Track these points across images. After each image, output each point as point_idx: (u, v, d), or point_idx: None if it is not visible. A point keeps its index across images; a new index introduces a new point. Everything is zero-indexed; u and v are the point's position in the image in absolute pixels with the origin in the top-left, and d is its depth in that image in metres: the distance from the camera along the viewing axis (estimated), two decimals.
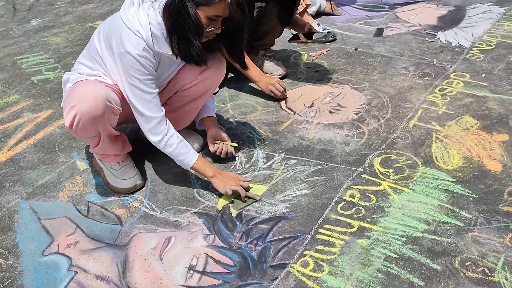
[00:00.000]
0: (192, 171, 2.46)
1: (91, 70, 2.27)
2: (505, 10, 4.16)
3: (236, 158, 2.56)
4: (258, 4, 3.03)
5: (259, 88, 3.07)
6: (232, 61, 2.45)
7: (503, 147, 2.56)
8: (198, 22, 2.09)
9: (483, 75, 3.22)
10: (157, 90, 2.23)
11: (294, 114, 2.93)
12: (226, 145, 2.52)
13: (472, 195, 2.27)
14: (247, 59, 2.93)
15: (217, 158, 2.55)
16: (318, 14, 4.23)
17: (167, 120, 2.26)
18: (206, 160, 2.39)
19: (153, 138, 2.25)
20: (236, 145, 2.55)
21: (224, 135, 2.55)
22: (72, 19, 4.42)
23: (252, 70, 2.97)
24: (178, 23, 2.10)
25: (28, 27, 4.29)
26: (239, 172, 2.49)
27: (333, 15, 4.26)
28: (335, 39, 3.75)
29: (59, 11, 4.61)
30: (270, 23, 3.13)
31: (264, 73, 3.29)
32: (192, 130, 2.70)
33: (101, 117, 2.15)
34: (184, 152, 2.27)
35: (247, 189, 2.32)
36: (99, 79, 2.25)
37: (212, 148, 2.52)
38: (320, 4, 4.22)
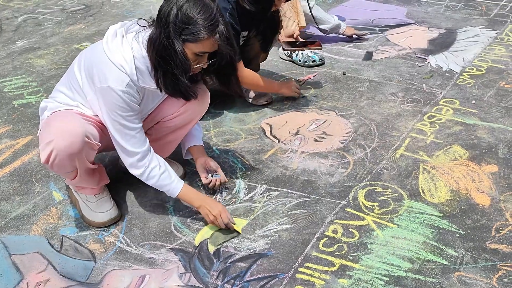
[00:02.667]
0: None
1: (70, 100, 2.21)
2: (496, 33, 4.11)
3: (216, 190, 2.48)
4: (243, 33, 2.99)
5: (285, 95, 3.25)
6: (226, 91, 2.38)
7: (492, 179, 2.49)
8: (185, 60, 2.04)
9: (473, 101, 3.16)
10: (140, 124, 2.18)
11: (278, 142, 2.86)
12: (218, 178, 2.45)
13: (458, 231, 2.19)
14: (261, 77, 3.07)
15: (205, 187, 2.49)
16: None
17: (151, 151, 2.20)
18: (191, 188, 2.30)
19: (134, 172, 2.21)
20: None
21: (214, 164, 2.47)
22: (58, 40, 4.35)
23: (272, 86, 3.17)
24: (164, 60, 2.04)
25: (13, 49, 4.22)
26: None
27: (354, 39, 4.12)
28: (324, 62, 3.73)
29: (46, 32, 4.54)
30: (253, 50, 3.09)
31: (250, 99, 3.23)
32: (172, 159, 2.62)
33: (78, 154, 2.09)
34: (167, 183, 2.21)
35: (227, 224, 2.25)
36: (77, 110, 2.19)
37: (204, 180, 2.45)
38: (340, 25, 4.04)
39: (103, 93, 2.06)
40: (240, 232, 2.23)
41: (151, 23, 2.14)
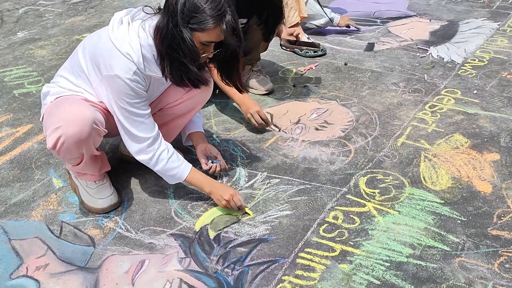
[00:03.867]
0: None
1: (74, 86, 2.19)
2: (498, 25, 4.10)
3: (217, 176, 2.47)
4: (241, 20, 2.95)
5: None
6: (227, 84, 2.35)
7: (494, 167, 2.47)
8: (194, 48, 2.01)
9: (475, 91, 3.14)
10: (149, 110, 2.17)
11: (279, 131, 2.84)
12: (218, 164, 2.44)
13: (460, 218, 2.18)
14: None
15: (205, 173, 2.46)
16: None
17: (160, 135, 2.20)
18: (200, 172, 2.28)
19: (142, 158, 2.19)
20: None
21: (214, 150, 2.47)
22: (59, 31, 4.35)
23: (235, 92, 2.65)
24: (172, 49, 2.02)
25: (14, 39, 4.22)
26: None
27: (350, 30, 4.11)
28: (325, 53, 3.72)
29: (47, 23, 4.54)
30: (254, 39, 3.04)
31: (251, 88, 3.22)
32: (173, 146, 2.60)
33: (86, 140, 2.09)
34: (175, 166, 2.21)
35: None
36: (82, 96, 2.17)
37: (204, 166, 2.44)
38: (333, 19, 4.02)
39: (110, 81, 2.05)
40: (252, 214, 2.24)
41: (157, 10, 2.12)
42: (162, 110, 2.40)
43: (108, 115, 2.18)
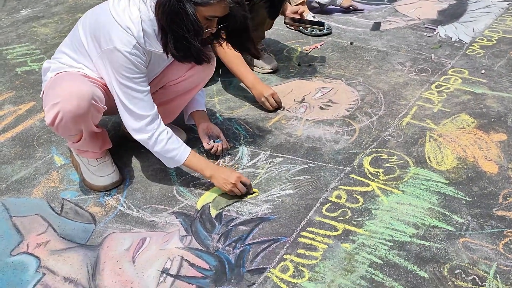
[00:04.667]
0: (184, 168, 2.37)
1: (74, 62, 2.16)
2: (508, 4, 4.03)
3: (219, 156, 2.45)
4: None
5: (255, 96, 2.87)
6: (240, 52, 2.38)
7: (500, 147, 2.44)
8: (198, 23, 1.97)
9: (483, 71, 3.09)
10: (148, 87, 2.13)
11: (283, 109, 2.81)
12: (220, 143, 2.42)
13: (465, 198, 2.15)
14: (242, 62, 2.81)
15: (207, 152, 2.46)
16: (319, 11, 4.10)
17: (159, 115, 2.16)
18: (199, 155, 2.25)
19: (140, 137, 2.14)
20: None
21: (216, 129, 2.44)
22: (63, 9, 4.31)
23: (246, 75, 2.80)
24: (175, 23, 1.97)
25: (17, 17, 4.19)
26: None
27: (350, 10, 4.08)
28: (331, 32, 3.67)
29: (50, 1, 4.50)
30: (258, 17, 2.99)
31: (255, 66, 3.19)
32: (175, 125, 2.58)
33: (85, 116, 2.05)
34: (174, 147, 2.16)
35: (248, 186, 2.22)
36: (82, 72, 2.14)
37: (206, 145, 2.41)
38: None
39: (110, 54, 2.02)
40: (258, 192, 2.22)
41: None
42: (164, 88, 2.37)
43: (108, 91, 2.15)
